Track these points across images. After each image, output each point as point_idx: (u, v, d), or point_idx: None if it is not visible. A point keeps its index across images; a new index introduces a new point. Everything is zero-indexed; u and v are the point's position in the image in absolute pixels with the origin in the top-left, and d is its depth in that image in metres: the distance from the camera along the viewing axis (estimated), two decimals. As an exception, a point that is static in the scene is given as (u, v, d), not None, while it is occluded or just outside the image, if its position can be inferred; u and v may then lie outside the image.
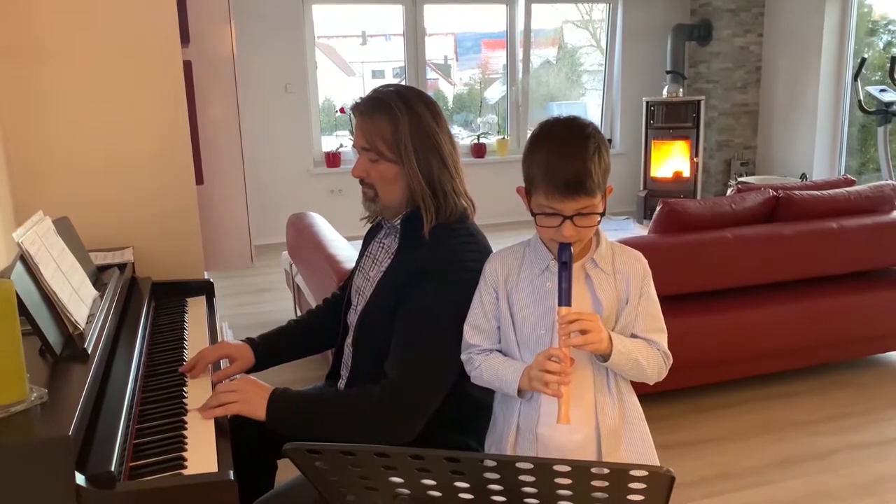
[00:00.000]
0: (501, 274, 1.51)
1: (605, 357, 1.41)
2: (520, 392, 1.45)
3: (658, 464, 1.44)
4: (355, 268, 1.83)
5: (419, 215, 1.61)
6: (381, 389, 1.54)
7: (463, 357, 1.55)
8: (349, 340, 1.75)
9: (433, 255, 1.58)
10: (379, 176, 1.63)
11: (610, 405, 1.47)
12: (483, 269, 1.55)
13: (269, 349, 1.86)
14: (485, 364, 1.50)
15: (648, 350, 1.46)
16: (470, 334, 1.53)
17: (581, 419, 1.45)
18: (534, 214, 1.43)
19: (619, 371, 1.46)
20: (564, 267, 1.39)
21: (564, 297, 1.37)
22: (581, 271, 1.46)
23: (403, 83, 7.00)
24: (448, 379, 1.58)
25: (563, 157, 1.37)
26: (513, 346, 1.50)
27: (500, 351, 1.53)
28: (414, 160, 1.58)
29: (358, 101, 1.65)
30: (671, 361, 1.51)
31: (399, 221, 1.67)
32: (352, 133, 6.83)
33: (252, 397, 1.52)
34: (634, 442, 1.49)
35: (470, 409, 1.68)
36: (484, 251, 1.64)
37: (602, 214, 1.42)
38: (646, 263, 1.51)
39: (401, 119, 1.58)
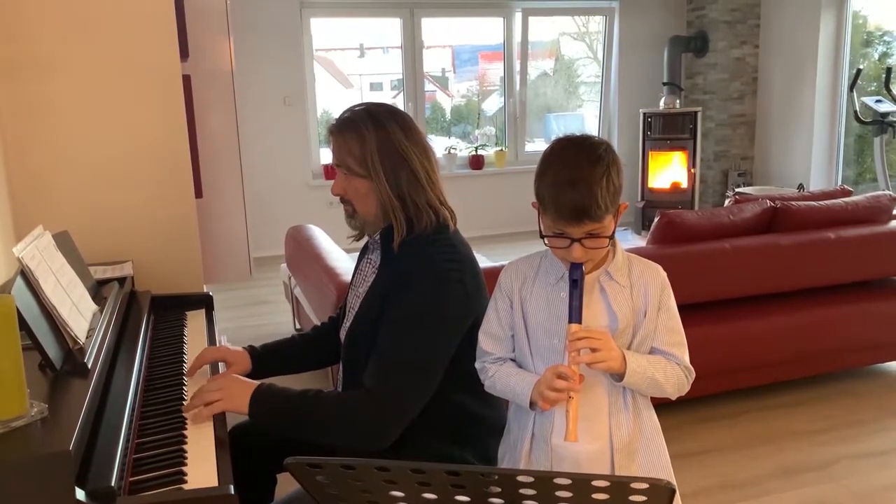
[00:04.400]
0: (516, 282, 1.51)
1: (619, 376, 1.40)
2: (532, 405, 1.44)
3: (673, 479, 1.44)
4: (349, 287, 1.85)
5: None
6: (356, 398, 1.57)
7: (477, 365, 1.55)
8: (342, 357, 1.76)
9: (410, 266, 1.61)
10: (353, 191, 1.68)
11: (625, 422, 1.46)
12: (499, 278, 1.55)
13: (268, 358, 1.89)
14: (498, 374, 1.50)
15: (667, 366, 1.44)
16: (484, 342, 1.54)
17: (595, 434, 1.45)
18: (542, 235, 1.42)
19: (636, 389, 1.44)
20: (575, 285, 1.38)
21: (575, 315, 1.37)
22: (596, 283, 1.45)
23: (400, 95, 7.02)
24: (425, 387, 1.58)
25: (569, 184, 1.34)
26: (526, 355, 1.50)
27: (513, 360, 1.52)
28: (382, 174, 1.62)
29: (333, 122, 1.70)
30: (693, 376, 1.48)
31: (378, 236, 1.70)
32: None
33: (235, 393, 1.55)
34: (650, 458, 1.48)
35: (468, 423, 1.68)
36: (465, 260, 1.65)
37: (611, 236, 1.41)
38: (664, 276, 1.49)
39: (367, 135, 1.62)
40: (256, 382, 1.59)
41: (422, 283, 1.58)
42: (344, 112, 1.70)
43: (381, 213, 1.66)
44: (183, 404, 1.60)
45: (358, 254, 1.87)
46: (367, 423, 1.55)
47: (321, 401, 1.60)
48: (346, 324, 1.76)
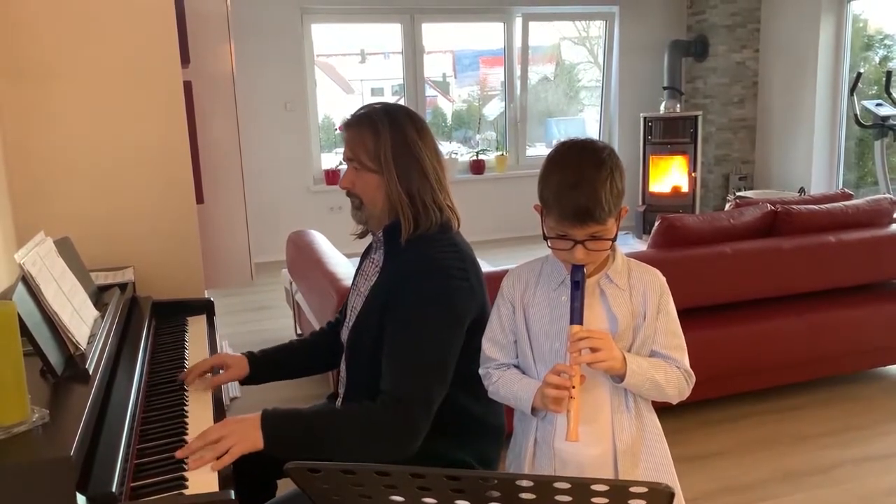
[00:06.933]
0: (518, 288, 1.53)
1: (620, 377, 1.41)
2: (534, 411, 1.45)
3: (677, 483, 1.44)
4: (351, 288, 1.85)
5: (400, 225, 1.65)
6: (380, 404, 1.54)
7: (481, 371, 1.56)
8: (344, 357, 1.76)
9: (415, 262, 1.61)
10: (362, 186, 1.68)
11: (627, 424, 1.47)
12: (501, 284, 1.56)
13: (266, 363, 1.89)
14: (501, 380, 1.51)
15: (667, 369, 1.45)
16: (488, 348, 1.55)
17: (597, 436, 1.46)
18: (546, 237, 1.43)
19: (637, 391, 1.45)
20: (577, 286, 1.39)
21: (576, 316, 1.38)
22: (596, 287, 1.47)
23: (401, 100, 7.03)
24: (444, 385, 1.58)
25: (573, 186, 1.36)
26: (529, 360, 1.51)
27: (517, 366, 1.53)
28: (394, 170, 1.63)
29: (348, 117, 1.71)
30: (694, 380, 1.49)
31: (382, 234, 1.71)
32: (351, 150, 6.87)
33: (244, 432, 1.45)
34: (653, 461, 1.48)
35: (469, 424, 1.68)
36: (468, 260, 1.66)
37: (614, 238, 1.42)
38: (663, 280, 1.50)
39: (382, 132, 1.64)
40: (257, 414, 1.50)
41: (426, 279, 1.59)
42: (360, 108, 1.72)
43: (388, 208, 1.67)
44: (184, 409, 1.60)
45: (359, 258, 1.87)
46: (398, 430, 1.52)
47: (342, 417, 1.57)
48: (349, 323, 1.76)
